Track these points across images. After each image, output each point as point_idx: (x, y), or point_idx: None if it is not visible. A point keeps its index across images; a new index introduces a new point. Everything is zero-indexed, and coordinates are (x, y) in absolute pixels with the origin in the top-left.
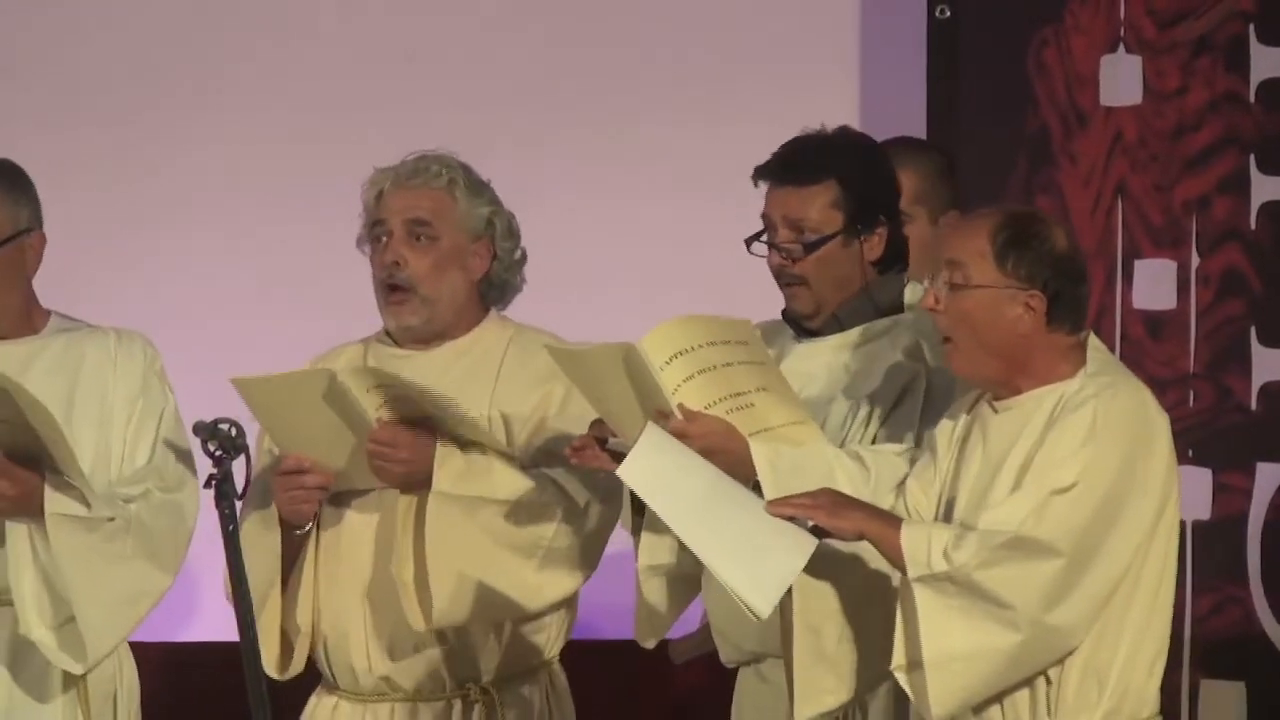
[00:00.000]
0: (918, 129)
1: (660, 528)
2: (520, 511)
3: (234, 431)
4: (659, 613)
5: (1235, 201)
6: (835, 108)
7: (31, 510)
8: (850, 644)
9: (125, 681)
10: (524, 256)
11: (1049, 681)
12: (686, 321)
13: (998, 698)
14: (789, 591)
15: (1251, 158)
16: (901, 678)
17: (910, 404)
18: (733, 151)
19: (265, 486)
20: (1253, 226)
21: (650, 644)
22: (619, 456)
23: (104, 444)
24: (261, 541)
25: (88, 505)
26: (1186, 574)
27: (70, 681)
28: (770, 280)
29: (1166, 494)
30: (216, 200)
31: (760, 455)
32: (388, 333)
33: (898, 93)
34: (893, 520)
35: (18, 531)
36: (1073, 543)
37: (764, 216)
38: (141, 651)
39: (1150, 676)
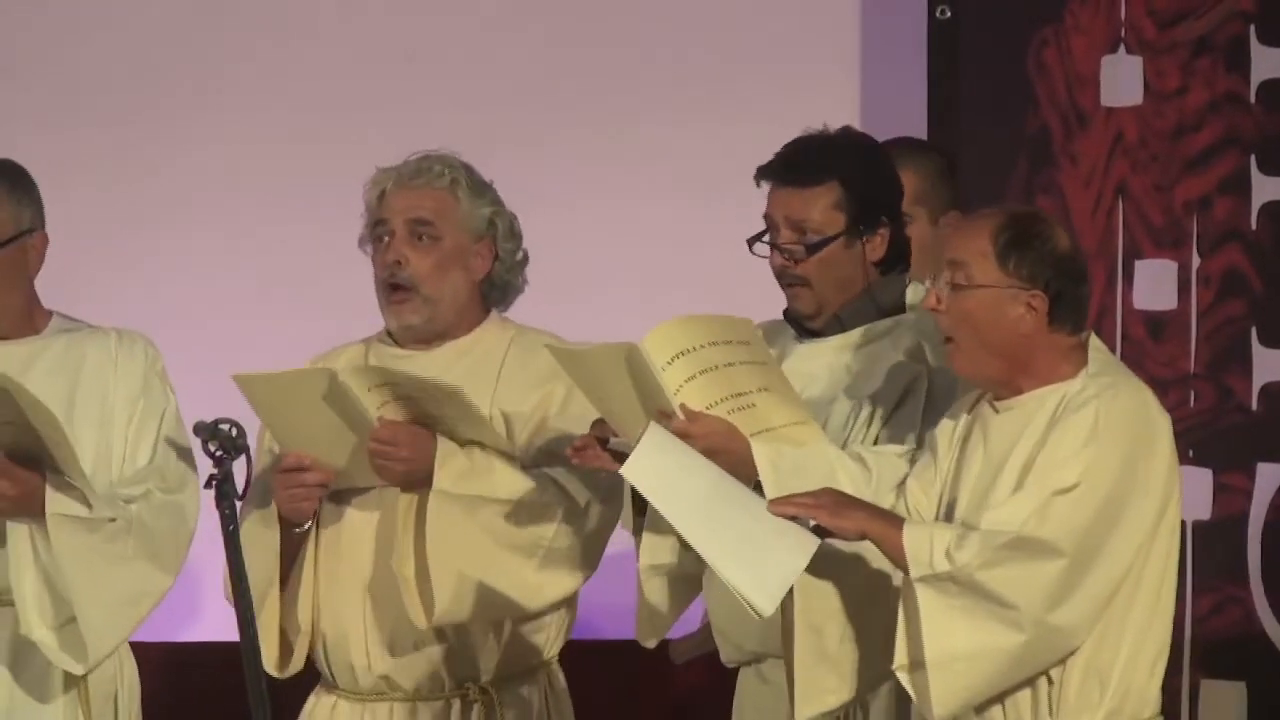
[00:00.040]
0: (918, 129)
1: (662, 527)
2: (521, 511)
3: (234, 432)
4: (660, 612)
5: (1236, 202)
6: (835, 108)
7: (33, 510)
8: (851, 644)
9: (126, 681)
10: (526, 258)
11: (1051, 682)
12: (688, 321)
13: (1000, 698)
14: (790, 591)
15: (1252, 158)
16: (903, 677)
17: (912, 405)
18: (733, 151)
19: (266, 486)
20: (1253, 227)
21: (651, 644)
22: (620, 456)
23: (105, 444)
24: (261, 539)
25: (89, 506)
26: (1187, 574)
27: (71, 682)
28: (770, 280)
29: (1168, 494)
30: (216, 200)
31: (762, 455)
32: (389, 333)
33: (898, 93)
34: (895, 520)
35: (19, 532)
36: (1075, 543)
37: (766, 217)
38: (142, 651)
39: (1152, 677)
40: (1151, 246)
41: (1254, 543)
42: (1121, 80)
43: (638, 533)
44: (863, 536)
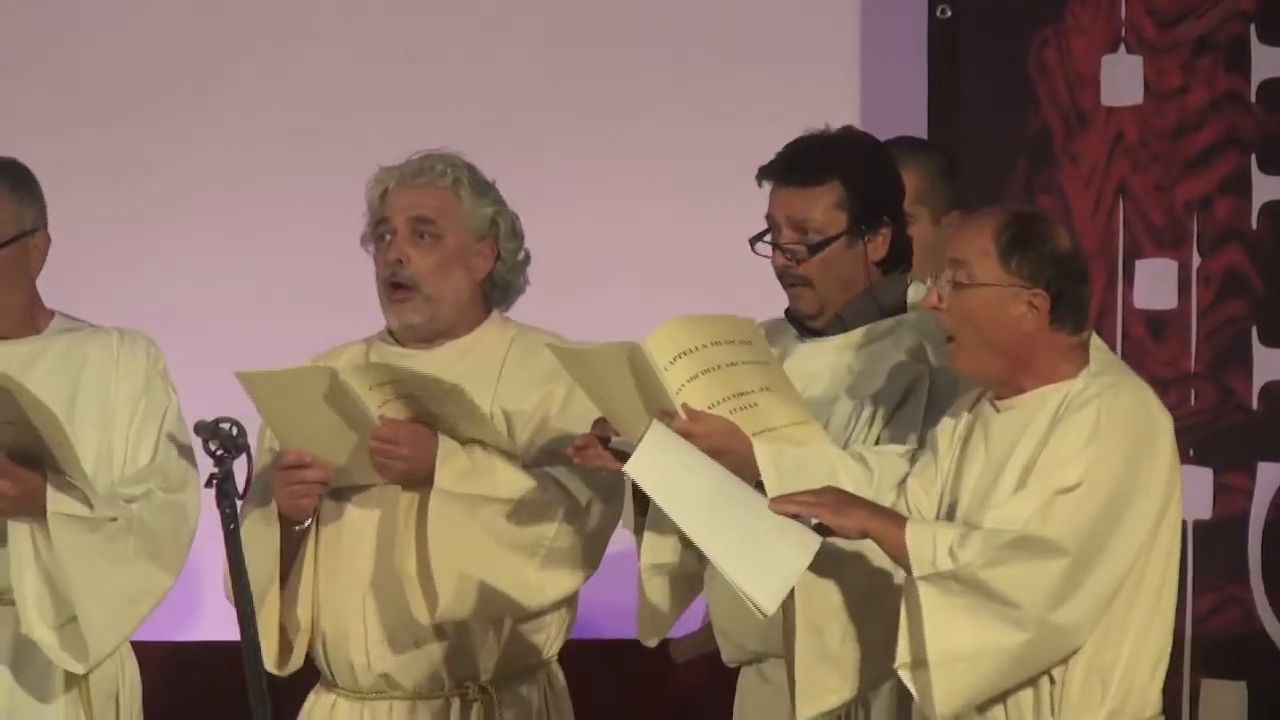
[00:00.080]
0: (918, 129)
1: (663, 526)
2: (522, 510)
3: (235, 431)
4: (661, 612)
5: (1236, 201)
6: (836, 108)
7: (34, 510)
8: (853, 642)
9: (127, 681)
10: (528, 258)
11: (1053, 681)
12: (690, 321)
13: (1001, 697)
14: (790, 591)
15: (1252, 158)
16: (906, 676)
17: (914, 405)
18: (733, 151)
19: (266, 484)
20: (1254, 226)
21: (652, 643)
22: (622, 455)
23: (106, 444)
24: (261, 537)
25: (90, 505)
26: (1187, 574)
27: (72, 681)
28: (770, 280)
29: (1169, 493)
30: (216, 200)
31: (764, 455)
32: (390, 332)
33: (898, 93)
34: (897, 519)
35: (20, 531)
36: (1078, 542)
37: (768, 217)
38: (143, 651)
39: (1153, 676)
40: (1152, 246)
41: (1254, 542)
42: (1122, 80)
43: (639, 532)
44: (865, 535)
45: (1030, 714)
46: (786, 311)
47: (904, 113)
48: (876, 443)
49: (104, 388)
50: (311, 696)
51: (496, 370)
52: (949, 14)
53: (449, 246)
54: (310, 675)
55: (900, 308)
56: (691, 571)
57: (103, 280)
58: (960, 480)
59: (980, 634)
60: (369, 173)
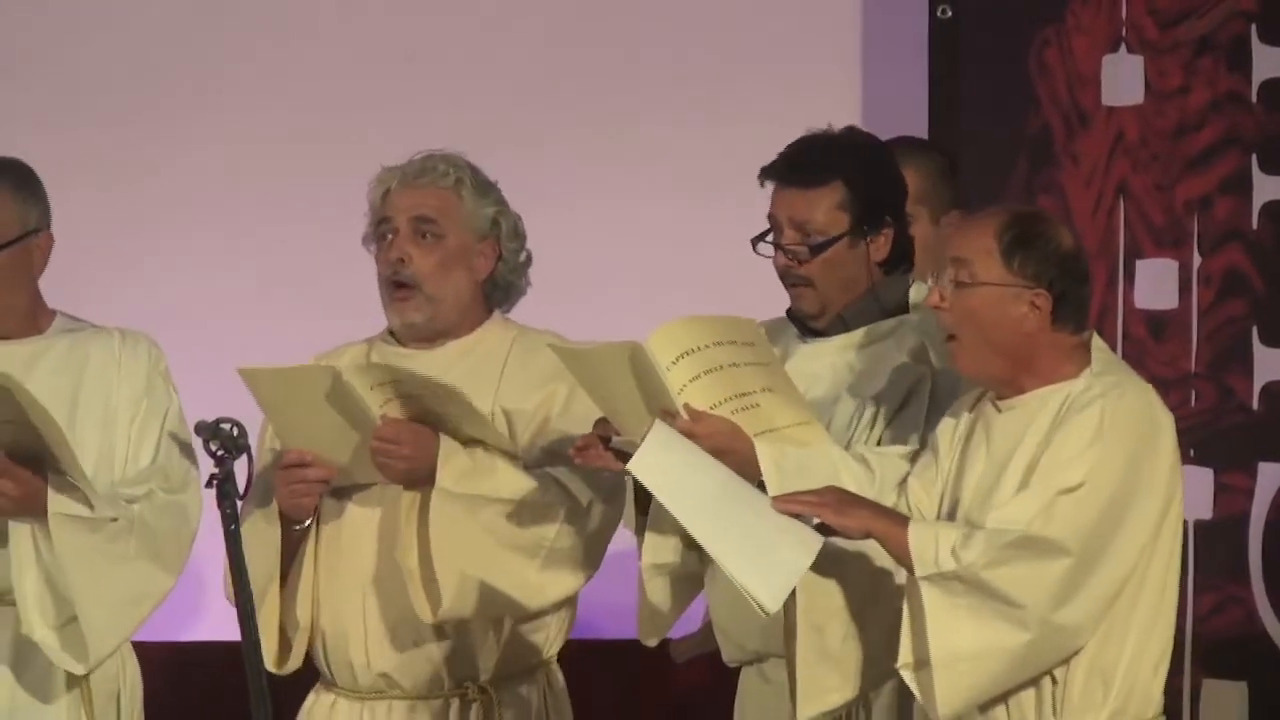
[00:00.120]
0: (919, 129)
1: (664, 526)
2: (523, 511)
3: (235, 431)
4: (662, 612)
5: (1237, 201)
6: (836, 108)
7: (34, 510)
8: (854, 642)
9: (128, 681)
10: (529, 259)
11: (1055, 681)
12: (692, 321)
13: (1003, 697)
14: (792, 590)
15: (1253, 158)
16: (908, 676)
17: (916, 405)
18: (733, 151)
19: (267, 484)
20: (1254, 226)
21: (653, 643)
22: (623, 456)
23: (108, 444)
24: (262, 536)
25: (90, 506)
26: (1188, 574)
27: (73, 681)
28: (771, 280)
29: (1171, 494)
30: (216, 200)
31: (765, 455)
32: (391, 332)
33: (899, 93)
34: (899, 519)
35: (20, 531)
36: (1081, 542)
37: (770, 217)
38: (144, 651)
39: (1155, 676)
40: (1152, 246)
41: (1255, 542)
42: (1122, 80)
43: (640, 531)
44: (867, 535)
45: (1032, 714)
46: (788, 311)
47: (904, 113)
48: (878, 443)
49: (106, 388)
50: (311, 696)
51: (498, 371)
52: (949, 14)
53: (450, 246)
54: (310, 675)
55: (902, 308)
56: (692, 571)
57: (103, 280)
58: (961, 480)
59: (983, 634)
60: (369, 173)
